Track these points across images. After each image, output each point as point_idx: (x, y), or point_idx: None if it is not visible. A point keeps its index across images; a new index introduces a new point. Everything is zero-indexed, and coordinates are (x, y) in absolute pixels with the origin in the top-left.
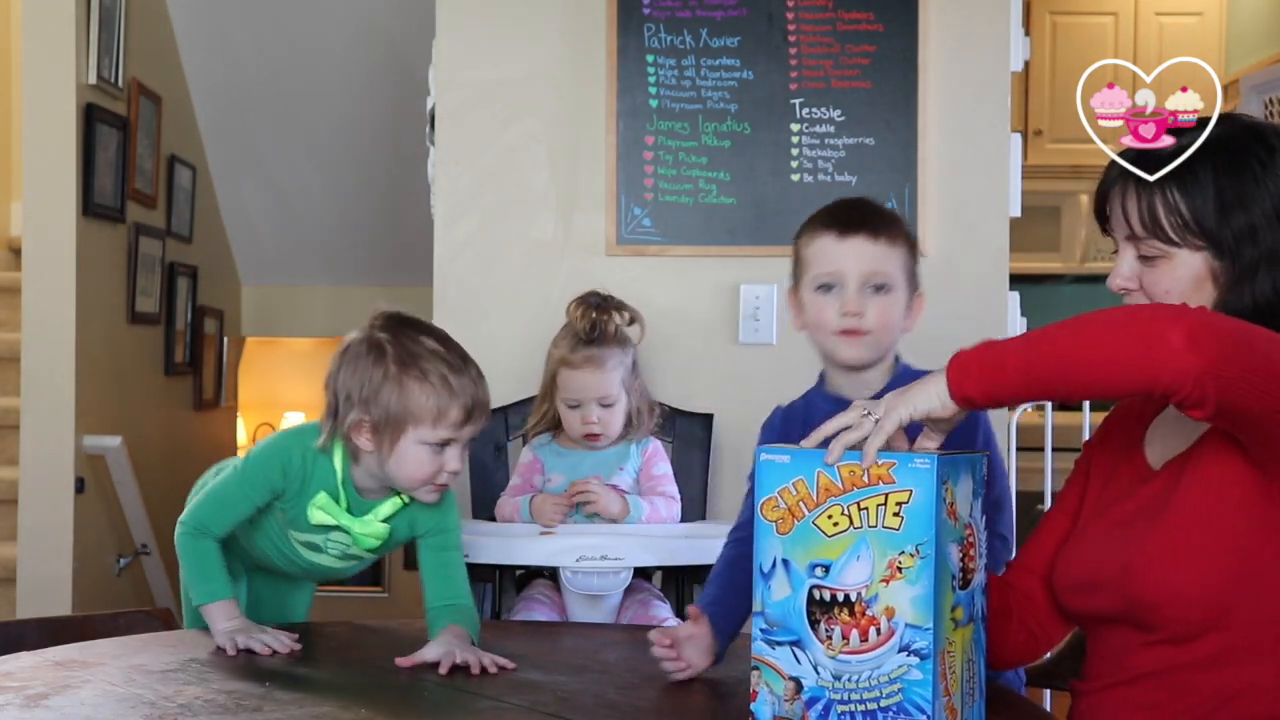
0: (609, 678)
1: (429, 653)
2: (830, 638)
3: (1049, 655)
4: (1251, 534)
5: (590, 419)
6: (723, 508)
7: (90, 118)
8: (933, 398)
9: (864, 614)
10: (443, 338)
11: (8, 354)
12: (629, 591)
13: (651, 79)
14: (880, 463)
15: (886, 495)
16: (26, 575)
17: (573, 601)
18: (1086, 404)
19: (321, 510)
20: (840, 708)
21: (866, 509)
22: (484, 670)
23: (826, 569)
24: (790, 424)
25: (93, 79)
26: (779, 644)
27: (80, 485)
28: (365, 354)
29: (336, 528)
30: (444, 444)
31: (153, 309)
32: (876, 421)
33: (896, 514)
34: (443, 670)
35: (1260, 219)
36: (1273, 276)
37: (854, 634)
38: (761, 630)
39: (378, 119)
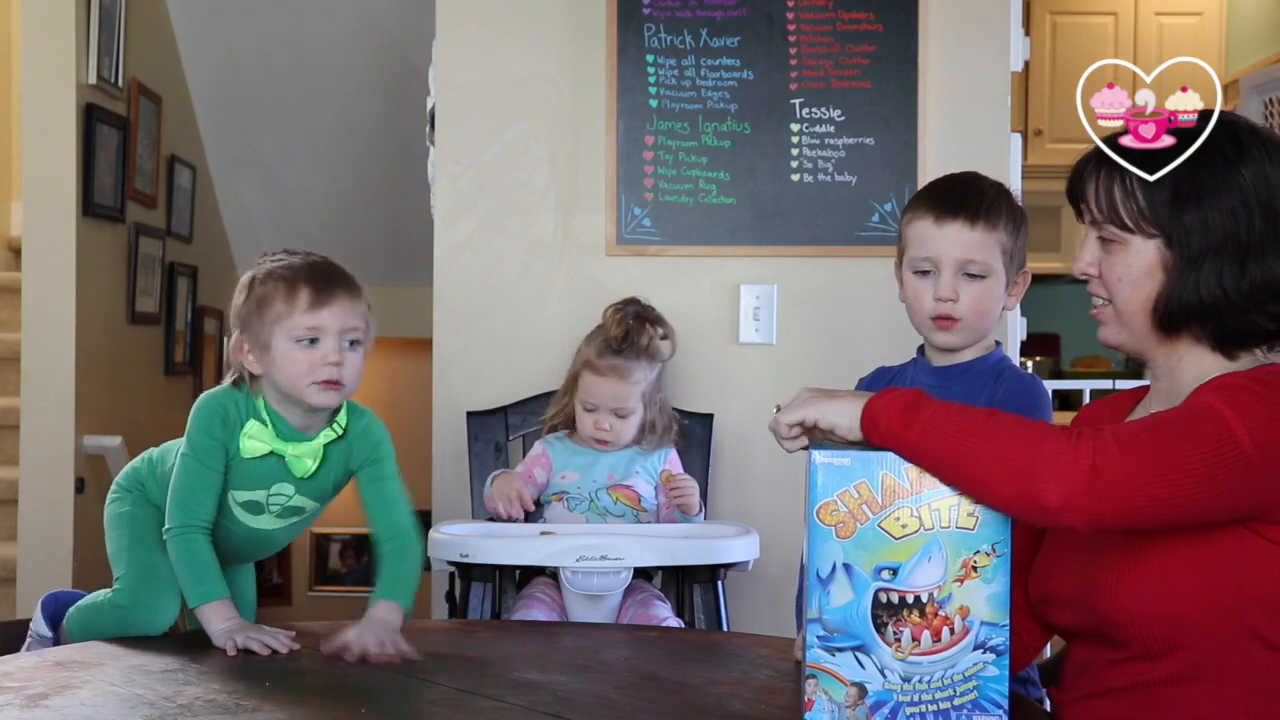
0: (609, 678)
1: (350, 637)
2: (899, 640)
3: (1049, 655)
4: (1212, 550)
5: (602, 425)
6: (723, 508)
7: (90, 118)
8: (844, 415)
9: (936, 614)
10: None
11: (8, 354)
12: (629, 591)
13: (651, 79)
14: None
15: (959, 496)
16: (26, 575)
17: (573, 601)
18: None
19: (254, 439)
20: (909, 709)
21: (938, 510)
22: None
23: (894, 571)
24: (878, 384)
25: (93, 79)
26: (840, 650)
27: (80, 485)
28: (242, 287)
29: (272, 455)
30: (314, 339)
31: (153, 309)
32: (787, 407)
33: (970, 514)
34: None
35: (1214, 214)
36: (1219, 272)
37: (925, 635)
38: (819, 637)
39: (378, 119)
